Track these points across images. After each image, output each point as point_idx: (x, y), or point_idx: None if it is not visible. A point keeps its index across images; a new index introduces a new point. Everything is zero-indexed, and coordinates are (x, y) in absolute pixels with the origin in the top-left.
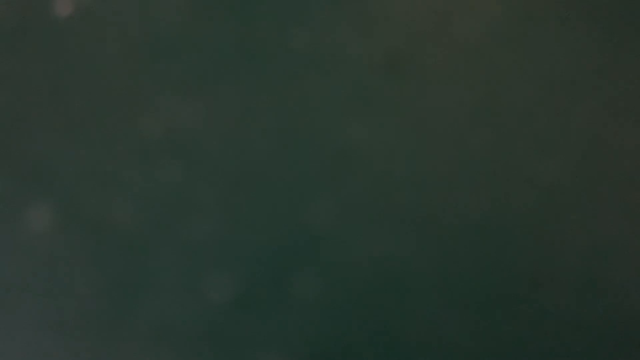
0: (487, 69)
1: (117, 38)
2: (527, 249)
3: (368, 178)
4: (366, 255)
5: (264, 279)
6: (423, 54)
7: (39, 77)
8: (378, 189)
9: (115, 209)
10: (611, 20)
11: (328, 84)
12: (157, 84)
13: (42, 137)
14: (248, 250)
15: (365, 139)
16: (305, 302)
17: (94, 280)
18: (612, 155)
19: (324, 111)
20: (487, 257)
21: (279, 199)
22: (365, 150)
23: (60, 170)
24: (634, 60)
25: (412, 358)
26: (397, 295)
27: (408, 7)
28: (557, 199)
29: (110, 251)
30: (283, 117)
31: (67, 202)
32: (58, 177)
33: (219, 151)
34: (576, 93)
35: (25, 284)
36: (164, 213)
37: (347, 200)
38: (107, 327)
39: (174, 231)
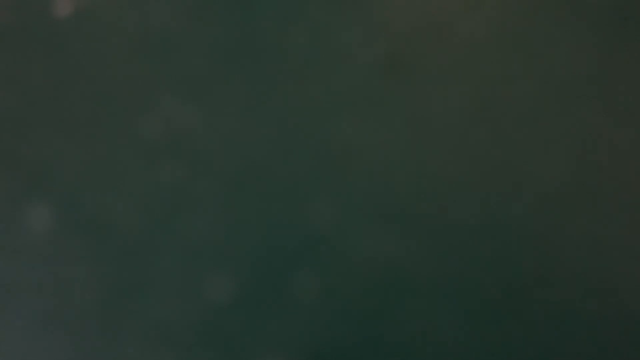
0: (487, 69)
1: (117, 38)
2: (527, 249)
3: (368, 178)
4: (366, 255)
5: (263, 279)
6: (423, 54)
7: (39, 77)
8: (378, 189)
9: (115, 209)
10: (611, 20)
11: (328, 84)
12: (157, 84)
13: (42, 137)
14: (248, 250)
15: (366, 139)
16: (304, 302)
17: (94, 280)
18: (612, 155)
19: (324, 111)
20: (487, 257)
21: (278, 199)
22: (366, 150)
23: (60, 170)
24: (634, 60)
25: (412, 358)
26: (396, 296)
27: (408, 8)
28: (557, 199)
29: (110, 251)
30: (283, 117)
31: (67, 202)
32: (58, 177)
33: (218, 151)
34: (576, 93)
35: (25, 284)
36: (164, 213)
37: (347, 200)
38: (107, 327)
39: (174, 231)
